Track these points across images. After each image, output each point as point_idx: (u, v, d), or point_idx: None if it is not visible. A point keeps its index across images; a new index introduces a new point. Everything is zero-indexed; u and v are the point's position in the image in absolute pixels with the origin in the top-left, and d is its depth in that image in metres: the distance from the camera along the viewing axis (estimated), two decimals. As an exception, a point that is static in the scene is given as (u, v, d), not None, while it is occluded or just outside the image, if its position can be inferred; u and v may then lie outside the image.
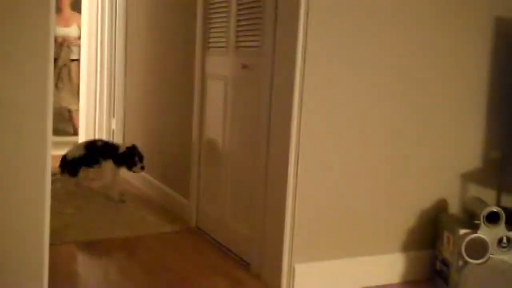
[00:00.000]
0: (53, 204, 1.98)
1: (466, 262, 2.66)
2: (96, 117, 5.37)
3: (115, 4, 5.01)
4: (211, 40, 3.38)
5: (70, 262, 2.92)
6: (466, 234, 2.67)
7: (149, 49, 4.39)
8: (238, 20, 3.06)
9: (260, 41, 2.82)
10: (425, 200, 2.92)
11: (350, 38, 2.62)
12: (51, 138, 1.94)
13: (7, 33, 1.86)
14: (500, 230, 2.68)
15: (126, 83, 4.81)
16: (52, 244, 2.00)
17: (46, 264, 1.97)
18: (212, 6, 3.36)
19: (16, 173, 1.91)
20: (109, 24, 5.15)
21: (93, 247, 3.11)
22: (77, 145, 4.25)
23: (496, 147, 3.06)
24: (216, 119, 3.33)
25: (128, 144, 4.12)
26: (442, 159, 2.93)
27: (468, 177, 3.01)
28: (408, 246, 2.90)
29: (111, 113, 5.23)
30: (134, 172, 4.00)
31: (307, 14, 2.51)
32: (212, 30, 3.36)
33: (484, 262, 2.65)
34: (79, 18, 5.58)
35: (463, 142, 2.98)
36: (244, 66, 3.00)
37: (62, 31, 5.82)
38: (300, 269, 2.64)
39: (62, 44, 5.82)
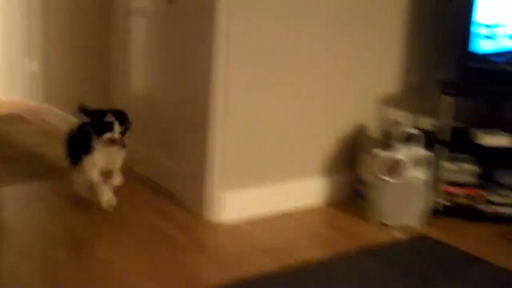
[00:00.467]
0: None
1: (383, 182, 2.80)
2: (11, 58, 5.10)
3: None
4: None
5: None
6: (383, 155, 2.80)
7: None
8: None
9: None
10: (346, 125, 3.03)
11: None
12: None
13: None
14: (416, 150, 2.83)
15: (45, 17, 4.56)
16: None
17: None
18: None
19: None
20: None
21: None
22: None
23: (415, 72, 3.19)
24: (139, 58, 3.29)
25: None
26: (362, 84, 3.03)
27: (387, 102, 3.13)
28: (330, 170, 3.02)
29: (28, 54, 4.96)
30: None
31: None
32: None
33: (400, 181, 2.80)
34: None
35: (383, 68, 3.09)
36: (169, 1, 2.95)
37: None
38: (226, 197, 2.71)
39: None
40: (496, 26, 2.88)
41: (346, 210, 2.96)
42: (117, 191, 2.75)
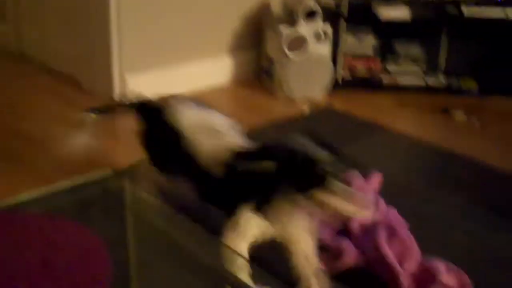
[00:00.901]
0: None
1: (288, 58, 2.85)
2: None
3: None
4: None
5: None
6: (287, 31, 2.82)
7: None
8: None
9: None
10: (250, 2, 2.99)
11: None
12: None
13: None
14: (318, 25, 2.87)
15: None
16: None
17: None
18: None
19: None
20: None
21: None
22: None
23: None
24: None
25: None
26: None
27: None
28: (236, 48, 3.02)
29: None
30: None
31: None
32: None
33: (304, 56, 2.86)
34: None
35: None
36: None
37: None
38: (132, 78, 2.66)
39: None
40: None
41: (253, 87, 3.01)
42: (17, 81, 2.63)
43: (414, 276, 1.57)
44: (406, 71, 3.08)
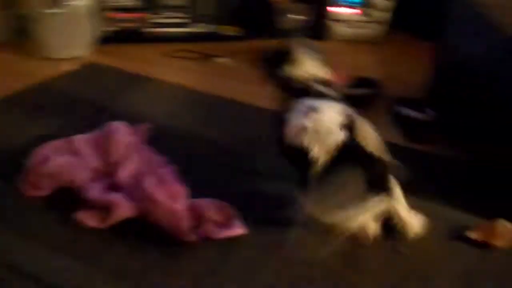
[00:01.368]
0: None
1: (45, 14, 2.66)
2: None
3: None
4: None
5: None
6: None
7: None
8: None
9: None
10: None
11: None
12: None
13: None
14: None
15: None
16: None
17: None
18: None
19: None
20: None
21: None
22: None
23: None
24: None
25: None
26: None
27: None
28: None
29: None
30: None
31: None
32: None
33: (63, 10, 2.69)
34: None
35: None
36: None
37: None
38: None
39: None
40: None
41: (8, 49, 2.78)
42: None
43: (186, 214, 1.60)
44: (171, 22, 3.07)
